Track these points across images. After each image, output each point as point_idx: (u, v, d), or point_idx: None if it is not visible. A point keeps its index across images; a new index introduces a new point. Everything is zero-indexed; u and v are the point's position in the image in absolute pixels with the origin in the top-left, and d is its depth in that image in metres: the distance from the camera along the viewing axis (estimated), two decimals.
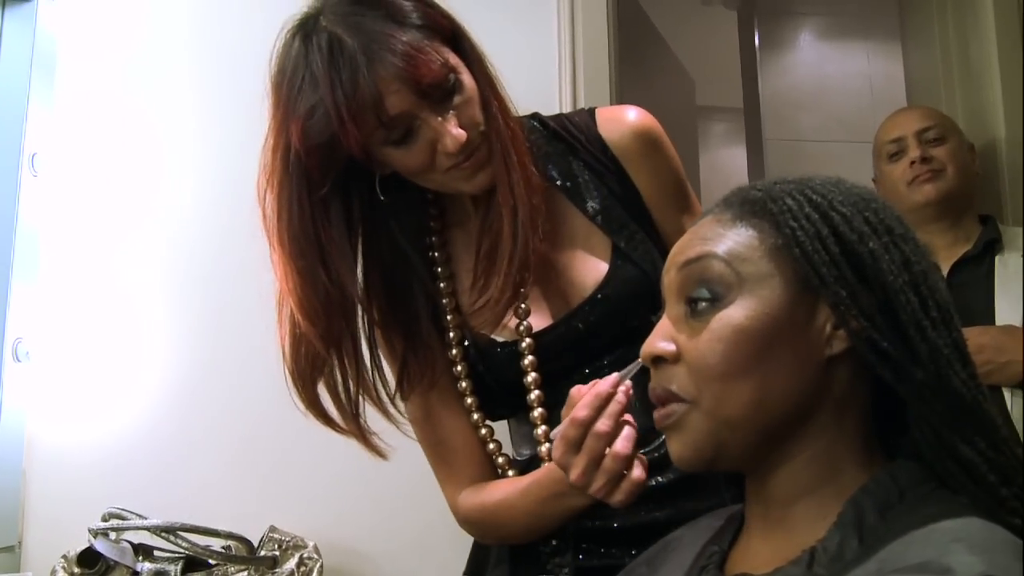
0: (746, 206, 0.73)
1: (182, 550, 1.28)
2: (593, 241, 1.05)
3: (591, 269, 1.04)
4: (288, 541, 1.35)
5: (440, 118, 0.92)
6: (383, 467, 1.53)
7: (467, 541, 1.53)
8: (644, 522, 0.98)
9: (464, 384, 1.05)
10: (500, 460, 1.06)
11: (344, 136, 0.88)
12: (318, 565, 1.33)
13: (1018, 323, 1.59)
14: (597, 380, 0.82)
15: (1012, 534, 0.59)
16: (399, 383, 1.03)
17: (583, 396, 0.81)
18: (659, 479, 0.99)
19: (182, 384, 1.57)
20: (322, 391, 1.01)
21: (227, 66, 1.67)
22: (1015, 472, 0.63)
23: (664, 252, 1.04)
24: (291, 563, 1.31)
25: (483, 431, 1.06)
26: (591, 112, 1.09)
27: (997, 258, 1.70)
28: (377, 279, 1.03)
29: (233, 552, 1.32)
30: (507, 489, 1.02)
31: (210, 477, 1.53)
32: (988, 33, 2.01)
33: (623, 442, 0.80)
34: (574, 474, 0.81)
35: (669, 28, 2.88)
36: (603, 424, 0.79)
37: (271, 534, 1.36)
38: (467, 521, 1.07)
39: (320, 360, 0.98)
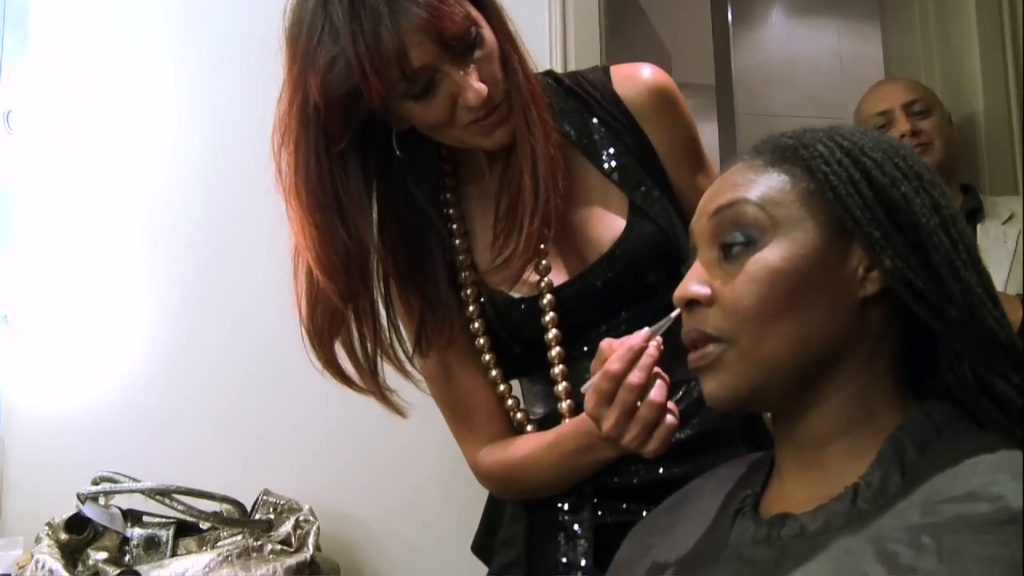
0: (777, 152, 0.74)
1: (176, 514, 1.25)
2: (609, 197, 1.04)
3: (608, 225, 1.03)
4: (283, 504, 1.33)
5: (462, 72, 0.91)
6: (373, 431, 1.53)
7: (458, 502, 1.53)
8: (662, 478, 0.98)
9: (481, 341, 1.05)
10: (519, 416, 1.06)
11: (367, 88, 0.86)
12: (315, 528, 1.30)
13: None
14: (627, 336, 0.81)
15: None
16: (417, 340, 1.02)
17: (615, 350, 0.80)
18: (677, 435, 0.99)
19: (167, 346, 1.52)
20: (339, 352, 1.00)
21: (206, 17, 1.62)
22: None
23: (679, 211, 1.04)
24: (287, 526, 1.29)
25: (501, 387, 1.06)
26: (605, 70, 1.08)
27: (979, 227, 1.74)
28: (394, 234, 1.02)
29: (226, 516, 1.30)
30: (532, 444, 1.01)
31: (197, 443, 1.49)
32: (968, 11, 2.04)
33: (657, 391, 0.80)
34: (606, 425, 0.81)
35: (647, 2, 2.88)
36: (636, 376, 0.79)
37: (265, 497, 1.34)
38: (488, 478, 1.07)
39: (338, 318, 0.97)
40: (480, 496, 1.53)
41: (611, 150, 1.05)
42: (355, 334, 0.99)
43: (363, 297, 0.98)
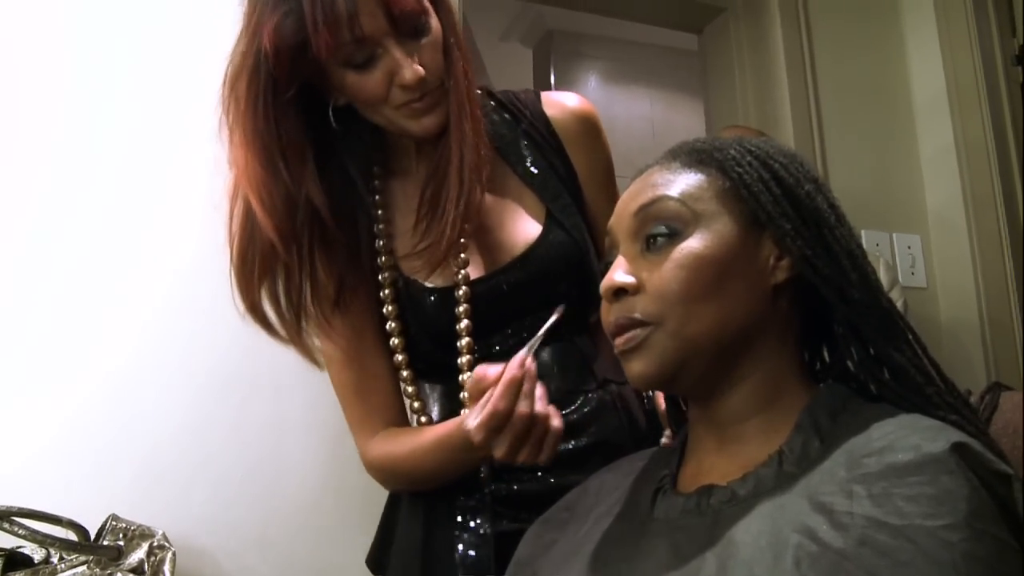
0: (693, 155, 0.82)
1: (12, 540, 1.12)
2: (528, 204, 1.10)
3: (524, 229, 1.08)
4: (133, 530, 1.22)
5: (404, 53, 0.95)
6: (224, 456, 1.45)
7: (311, 533, 1.48)
8: (558, 486, 0.99)
9: (393, 325, 1.06)
10: (416, 404, 1.07)
11: (315, 40, 0.90)
12: (170, 554, 1.21)
13: None
14: (503, 364, 0.85)
15: None
16: (336, 298, 1.04)
17: (490, 380, 0.84)
18: (574, 443, 1.03)
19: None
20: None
21: None
22: (932, 374, 0.75)
23: (592, 232, 1.10)
24: (139, 553, 1.19)
25: (405, 373, 1.07)
26: (536, 92, 1.16)
27: None
28: (326, 200, 1.02)
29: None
30: (414, 443, 1.03)
31: (31, 465, 1.34)
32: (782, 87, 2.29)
33: (540, 404, 0.85)
34: (500, 452, 0.85)
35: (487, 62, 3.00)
36: (524, 406, 0.83)
37: (113, 523, 1.23)
38: (373, 467, 1.08)
39: (270, 259, 0.99)
40: (335, 526, 1.51)
41: (534, 161, 1.11)
42: (280, 282, 1.01)
43: (293, 244, 0.99)
